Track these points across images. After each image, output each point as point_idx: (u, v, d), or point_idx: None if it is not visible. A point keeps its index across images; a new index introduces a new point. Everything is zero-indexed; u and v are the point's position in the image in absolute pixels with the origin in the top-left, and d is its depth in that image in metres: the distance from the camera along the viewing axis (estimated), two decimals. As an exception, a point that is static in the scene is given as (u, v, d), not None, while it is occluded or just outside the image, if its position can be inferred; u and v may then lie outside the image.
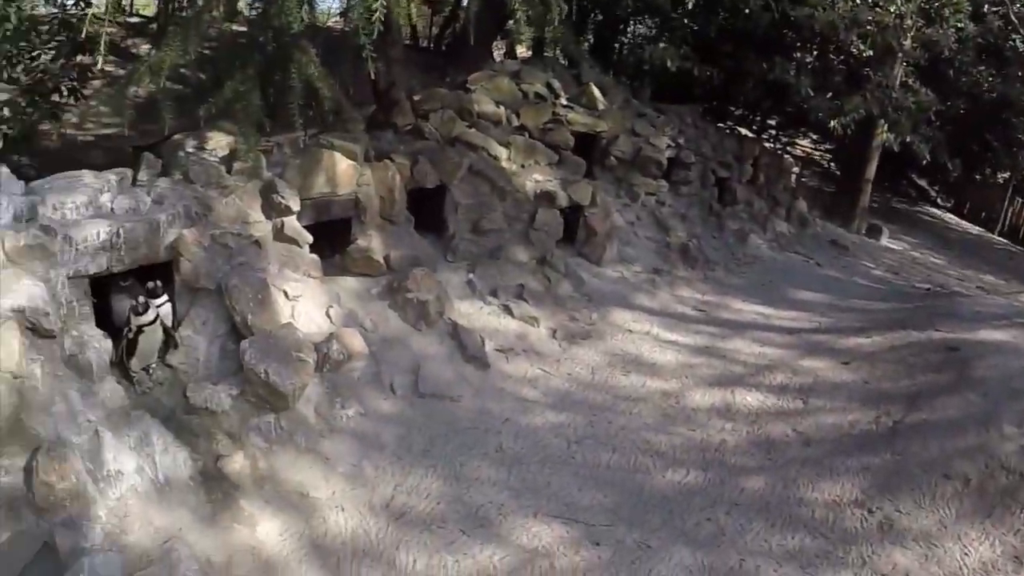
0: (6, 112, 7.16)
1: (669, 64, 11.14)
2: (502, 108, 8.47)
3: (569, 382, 6.36)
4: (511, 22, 11.85)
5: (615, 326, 7.36)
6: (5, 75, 7.39)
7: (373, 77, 6.38)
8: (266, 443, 5.01)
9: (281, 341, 5.20)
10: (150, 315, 5.01)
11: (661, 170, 9.87)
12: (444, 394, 5.84)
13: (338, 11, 12.65)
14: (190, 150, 6.10)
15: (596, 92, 9.43)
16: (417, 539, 4.59)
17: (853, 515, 4.93)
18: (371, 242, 6.53)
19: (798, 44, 13.29)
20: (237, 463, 4.77)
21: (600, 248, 8.44)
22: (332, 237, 6.45)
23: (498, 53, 14.34)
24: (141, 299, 5.02)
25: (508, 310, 6.91)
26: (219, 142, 6.20)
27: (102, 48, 5.50)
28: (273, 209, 5.88)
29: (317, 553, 4.46)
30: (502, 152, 8.02)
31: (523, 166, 8.18)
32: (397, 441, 5.36)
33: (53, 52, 7.65)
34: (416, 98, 8.11)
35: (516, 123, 8.54)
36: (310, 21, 6.52)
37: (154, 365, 5.23)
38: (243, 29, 11.36)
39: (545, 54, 9.54)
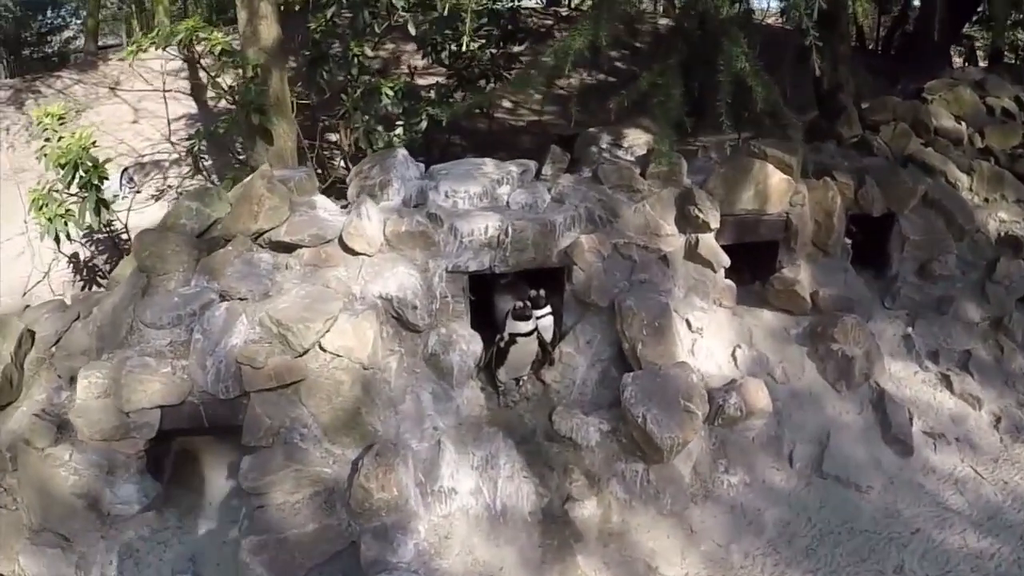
0: (432, 95, 7.40)
1: None
2: (963, 125, 7.08)
3: (1004, 493, 4.97)
4: (967, 25, 10.07)
5: (1073, 423, 5.79)
6: (431, 59, 7.75)
7: (818, 74, 5.39)
8: (626, 495, 4.44)
9: (670, 382, 4.50)
10: (528, 325, 4.63)
11: None
12: (851, 479, 4.82)
13: (778, 9, 11.67)
14: (604, 146, 5.68)
15: (1079, 111, 7.58)
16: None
17: None
18: (799, 273, 5.58)
19: None
20: (587, 510, 4.30)
21: (1067, 315, 6.67)
22: (753, 261, 5.63)
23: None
24: (526, 303, 4.65)
25: (947, 381, 5.62)
26: (637, 139, 5.75)
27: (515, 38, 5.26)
28: (688, 222, 5.19)
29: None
30: (963, 180, 6.61)
31: (987, 200, 6.67)
32: (779, 528, 4.50)
33: (483, 41, 7.81)
34: (864, 106, 6.99)
35: (979, 144, 7.07)
36: (744, 8, 5.83)
37: (525, 377, 4.88)
38: (665, 22, 10.95)
39: (1007, 60, 7.73)
